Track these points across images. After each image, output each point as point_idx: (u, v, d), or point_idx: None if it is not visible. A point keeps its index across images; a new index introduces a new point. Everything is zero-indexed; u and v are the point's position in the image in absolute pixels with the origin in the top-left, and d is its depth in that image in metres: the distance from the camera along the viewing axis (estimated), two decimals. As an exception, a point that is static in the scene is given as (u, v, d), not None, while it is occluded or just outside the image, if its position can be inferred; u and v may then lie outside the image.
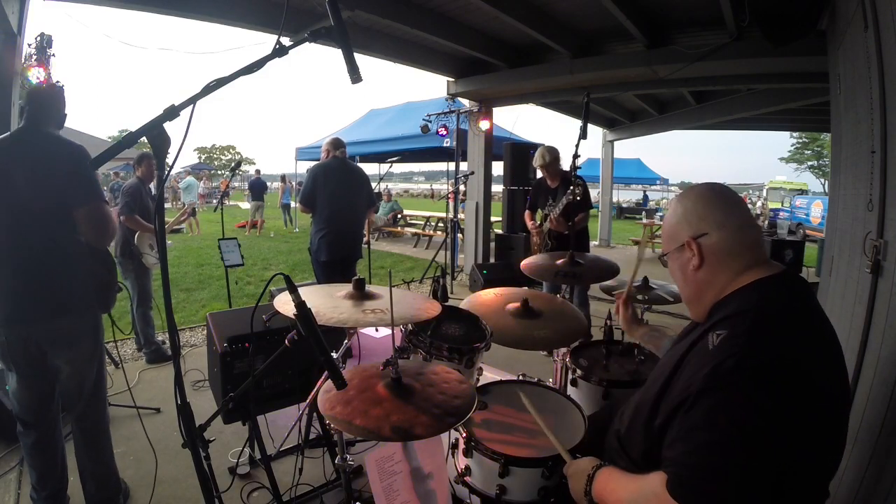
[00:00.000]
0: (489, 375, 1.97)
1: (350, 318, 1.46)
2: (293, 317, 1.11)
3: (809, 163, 30.47)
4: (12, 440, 2.46)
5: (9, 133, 1.91)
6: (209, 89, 1.02)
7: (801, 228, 12.33)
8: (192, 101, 1.01)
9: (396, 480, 1.30)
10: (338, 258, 3.71)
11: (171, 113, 0.99)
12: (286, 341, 1.33)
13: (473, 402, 1.25)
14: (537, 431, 1.49)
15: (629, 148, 35.39)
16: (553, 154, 3.96)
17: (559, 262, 2.26)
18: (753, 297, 0.98)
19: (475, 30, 5.48)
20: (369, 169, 13.32)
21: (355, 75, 1.19)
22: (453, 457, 1.55)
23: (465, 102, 7.31)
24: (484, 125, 7.22)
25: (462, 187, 7.83)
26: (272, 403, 2.18)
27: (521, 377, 1.88)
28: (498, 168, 8.04)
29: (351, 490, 1.45)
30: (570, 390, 1.83)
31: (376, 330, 4.27)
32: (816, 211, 13.52)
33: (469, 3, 4.52)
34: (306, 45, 1.17)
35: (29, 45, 3.20)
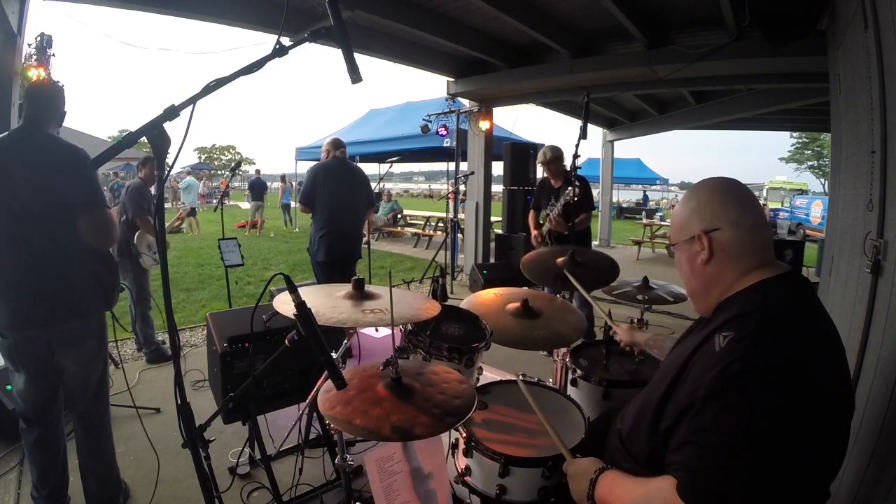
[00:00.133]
0: (489, 375, 1.97)
1: (350, 318, 1.46)
2: (293, 317, 1.11)
3: (809, 163, 30.48)
4: (12, 440, 2.46)
5: (8, 132, 1.91)
6: (209, 89, 1.02)
7: (801, 228, 12.32)
8: (192, 101, 1.01)
9: (396, 480, 1.30)
10: (337, 258, 3.71)
11: (171, 113, 0.99)
12: (286, 341, 1.33)
13: (473, 402, 1.25)
14: (537, 431, 1.49)
15: (629, 148, 35.38)
16: (555, 152, 3.95)
17: (559, 260, 2.26)
18: (758, 299, 0.98)
19: (475, 30, 5.48)
20: (369, 169, 13.35)
21: (355, 75, 1.19)
22: (453, 457, 1.55)
23: (465, 102, 7.31)
24: (484, 125, 7.22)
25: (462, 187, 7.83)
26: (272, 403, 2.18)
27: (521, 377, 1.88)
28: (498, 168, 8.05)
29: (351, 490, 1.45)
30: (570, 390, 1.83)
31: (376, 330, 4.28)
32: (816, 211, 13.54)
33: (469, 3, 4.52)
34: (306, 45, 1.17)
35: (29, 45, 3.20)
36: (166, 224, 5.49)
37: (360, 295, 1.61)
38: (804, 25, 2.87)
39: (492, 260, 7.33)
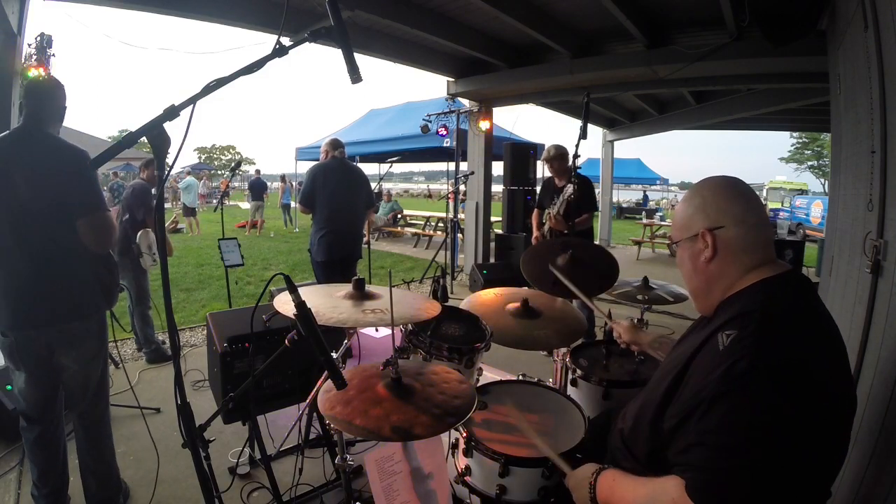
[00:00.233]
0: (489, 375, 1.97)
1: (350, 318, 1.46)
2: (293, 317, 1.11)
3: (809, 163, 30.49)
4: (12, 440, 2.46)
5: (8, 132, 1.91)
6: (209, 89, 1.02)
7: (801, 228, 12.33)
8: (192, 101, 1.01)
9: (396, 480, 1.30)
10: (337, 258, 3.71)
11: (171, 113, 0.99)
12: (286, 341, 1.33)
13: (473, 402, 1.25)
14: (537, 431, 1.49)
15: (629, 148, 35.45)
16: (559, 150, 3.95)
17: (559, 259, 2.25)
18: (759, 298, 0.98)
19: (475, 30, 5.48)
20: (369, 169, 13.37)
21: (355, 75, 1.19)
22: (453, 457, 1.55)
23: (465, 102, 7.30)
24: (484, 125, 7.22)
25: (462, 187, 7.83)
26: (272, 403, 2.18)
27: (521, 377, 1.88)
28: (498, 168, 8.04)
29: (351, 490, 1.45)
30: (570, 390, 1.83)
31: (376, 330, 4.28)
32: (816, 211, 13.54)
33: (469, 3, 4.52)
34: (306, 45, 1.17)
35: (29, 45, 3.20)
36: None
37: (361, 295, 1.61)
38: (804, 25, 2.88)
39: (492, 260, 7.32)
